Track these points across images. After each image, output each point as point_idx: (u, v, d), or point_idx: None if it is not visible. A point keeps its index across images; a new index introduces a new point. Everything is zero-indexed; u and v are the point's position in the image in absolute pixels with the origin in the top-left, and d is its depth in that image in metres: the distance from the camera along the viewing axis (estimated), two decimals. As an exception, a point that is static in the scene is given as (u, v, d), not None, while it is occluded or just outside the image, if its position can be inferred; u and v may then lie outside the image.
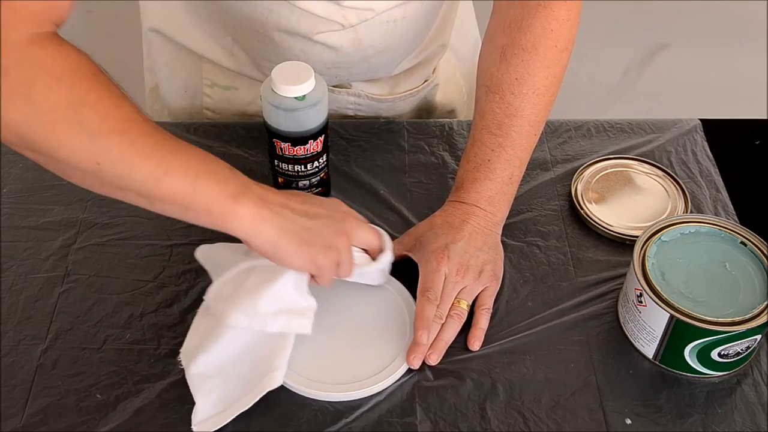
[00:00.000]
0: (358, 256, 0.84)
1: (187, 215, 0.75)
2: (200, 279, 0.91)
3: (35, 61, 0.68)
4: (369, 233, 0.85)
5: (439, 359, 0.84)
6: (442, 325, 0.85)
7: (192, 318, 0.87)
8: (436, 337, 0.85)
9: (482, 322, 0.86)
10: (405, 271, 0.90)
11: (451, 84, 1.19)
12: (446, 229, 0.89)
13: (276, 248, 0.77)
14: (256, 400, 0.79)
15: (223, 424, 0.78)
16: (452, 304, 0.87)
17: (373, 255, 0.86)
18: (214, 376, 0.80)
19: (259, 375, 0.80)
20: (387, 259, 0.86)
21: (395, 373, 0.82)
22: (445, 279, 0.87)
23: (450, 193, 0.94)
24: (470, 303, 0.87)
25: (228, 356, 0.81)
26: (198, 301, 0.89)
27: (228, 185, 0.75)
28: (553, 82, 0.90)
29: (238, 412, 0.78)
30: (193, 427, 0.78)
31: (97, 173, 0.72)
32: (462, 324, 0.86)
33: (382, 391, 0.82)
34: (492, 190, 0.91)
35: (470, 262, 0.88)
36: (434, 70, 1.15)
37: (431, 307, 0.85)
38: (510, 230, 0.96)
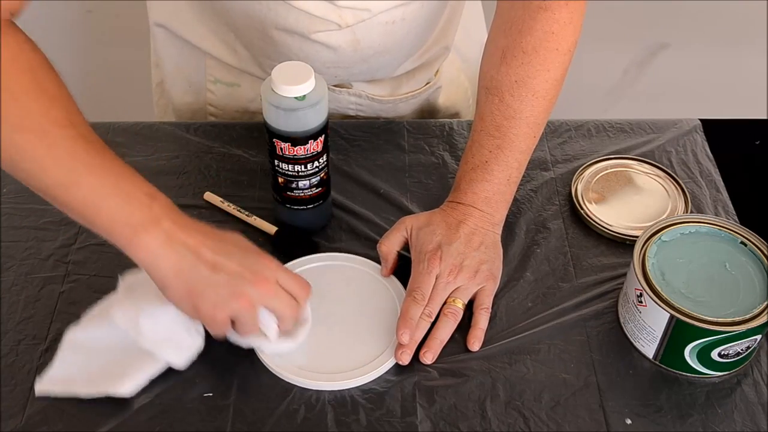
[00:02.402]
0: (266, 321, 0.80)
1: (94, 229, 0.76)
2: (200, 279, 0.91)
3: None
4: (282, 303, 0.79)
5: (434, 358, 0.84)
6: (437, 324, 0.85)
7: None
8: (430, 336, 0.85)
9: (481, 322, 0.86)
10: (401, 268, 0.90)
11: (455, 86, 1.19)
12: (443, 229, 0.89)
13: (164, 288, 0.77)
14: (95, 396, 0.79)
15: (56, 394, 0.80)
16: (447, 303, 0.87)
17: (285, 326, 0.82)
18: (82, 350, 0.82)
19: (112, 375, 0.80)
20: (291, 344, 0.82)
21: (384, 365, 0.83)
22: (436, 279, 0.87)
23: (449, 194, 0.94)
24: (466, 302, 0.87)
25: (102, 341, 0.81)
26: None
27: (134, 215, 0.74)
28: (554, 84, 0.90)
29: (77, 394, 0.79)
30: (36, 384, 0.80)
31: (11, 167, 0.72)
32: (457, 323, 0.86)
33: (382, 390, 0.82)
34: (489, 191, 0.91)
35: (465, 262, 0.88)
36: (437, 72, 1.14)
37: (416, 308, 0.85)
38: (510, 230, 0.96)
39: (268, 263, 0.80)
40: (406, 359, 0.83)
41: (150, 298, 0.80)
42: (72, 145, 0.73)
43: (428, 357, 0.84)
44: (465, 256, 0.88)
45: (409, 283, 0.88)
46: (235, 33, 1.03)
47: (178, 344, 0.82)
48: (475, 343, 0.85)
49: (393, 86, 1.11)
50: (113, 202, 0.74)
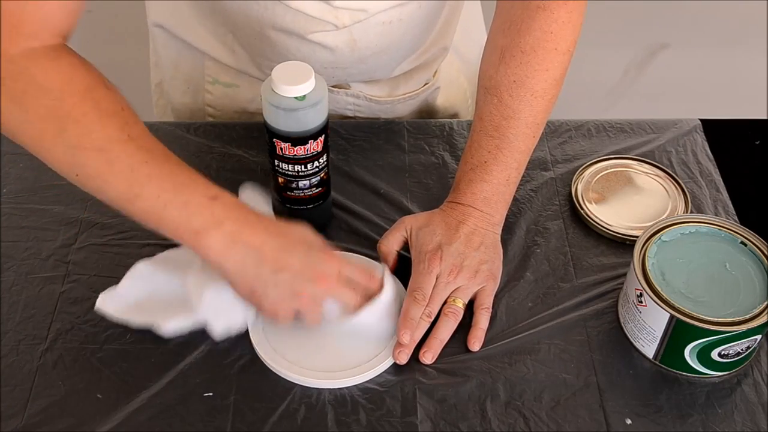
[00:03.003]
0: (333, 310, 0.83)
1: (161, 233, 0.79)
2: (200, 279, 0.91)
3: (28, 74, 0.74)
4: (343, 296, 0.83)
5: (434, 358, 0.84)
6: (437, 323, 0.86)
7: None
8: (430, 336, 0.85)
9: (482, 322, 0.86)
10: (402, 268, 0.91)
11: (454, 87, 1.19)
12: (442, 229, 0.89)
13: (231, 285, 0.81)
14: (142, 326, 0.84)
15: (110, 315, 0.85)
16: (447, 303, 0.87)
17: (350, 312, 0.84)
18: (146, 283, 0.86)
19: (162, 313, 0.84)
20: (368, 315, 0.84)
21: (384, 363, 0.83)
22: (437, 279, 0.87)
23: (448, 194, 0.94)
24: (466, 302, 0.87)
25: (166, 284, 0.86)
26: (198, 301, 0.89)
27: (194, 219, 0.77)
28: (553, 84, 0.90)
29: (127, 321, 0.85)
30: (97, 301, 0.85)
31: (76, 182, 0.77)
32: (458, 322, 0.86)
33: (383, 390, 0.82)
34: (488, 192, 0.91)
35: (465, 262, 0.88)
36: (435, 73, 1.14)
37: (417, 308, 0.85)
38: (510, 230, 0.96)
39: (329, 259, 0.82)
40: (404, 359, 0.83)
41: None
42: (131, 159, 0.76)
43: (428, 357, 0.84)
44: (465, 256, 0.88)
45: (410, 283, 0.88)
46: (233, 33, 1.03)
47: (227, 320, 0.84)
48: (475, 343, 0.85)
49: (391, 87, 1.11)
50: (174, 210, 0.77)
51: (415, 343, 0.84)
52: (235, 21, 1.00)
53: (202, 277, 0.83)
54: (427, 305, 0.86)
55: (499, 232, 0.92)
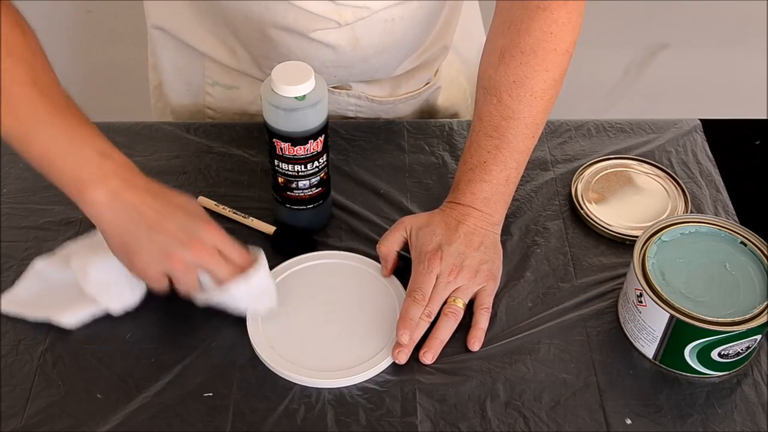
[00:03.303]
0: (206, 282, 0.83)
1: (51, 182, 0.80)
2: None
3: None
4: (216, 266, 0.82)
5: (435, 358, 0.84)
6: (437, 324, 0.85)
7: (192, 317, 0.87)
8: (430, 336, 0.85)
9: (482, 322, 0.86)
10: (401, 268, 0.91)
11: (454, 87, 1.19)
12: (442, 230, 0.89)
13: (106, 240, 0.81)
14: (40, 320, 0.86)
15: (9, 313, 0.87)
16: (447, 303, 0.87)
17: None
18: (41, 281, 0.89)
19: (59, 306, 0.86)
20: (242, 288, 0.83)
21: (383, 362, 0.83)
22: (437, 279, 0.87)
23: (448, 194, 0.94)
24: (466, 302, 0.87)
25: (60, 278, 0.88)
26: (198, 301, 0.89)
27: (82, 171, 0.78)
28: (552, 85, 0.90)
29: (25, 316, 0.86)
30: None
31: None
32: (458, 322, 0.86)
33: (382, 390, 0.82)
34: (488, 192, 0.91)
35: (465, 262, 0.88)
36: (436, 72, 1.14)
37: (417, 308, 0.85)
38: (510, 230, 0.96)
39: (209, 229, 0.83)
40: (403, 359, 0.83)
41: (104, 249, 0.83)
42: (31, 103, 0.77)
43: (428, 357, 0.84)
44: (465, 256, 0.88)
45: (410, 283, 0.88)
46: (233, 34, 1.03)
47: (118, 294, 0.86)
48: (475, 343, 0.85)
49: (392, 86, 1.11)
50: (64, 158, 0.78)
51: (414, 343, 0.84)
52: (236, 21, 1.00)
53: (85, 255, 0.85)
54: (426, 305, 0.86)
55: (499, 231, 0.92)
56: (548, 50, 0.88)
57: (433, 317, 0.86)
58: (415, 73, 1.11)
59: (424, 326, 0.85)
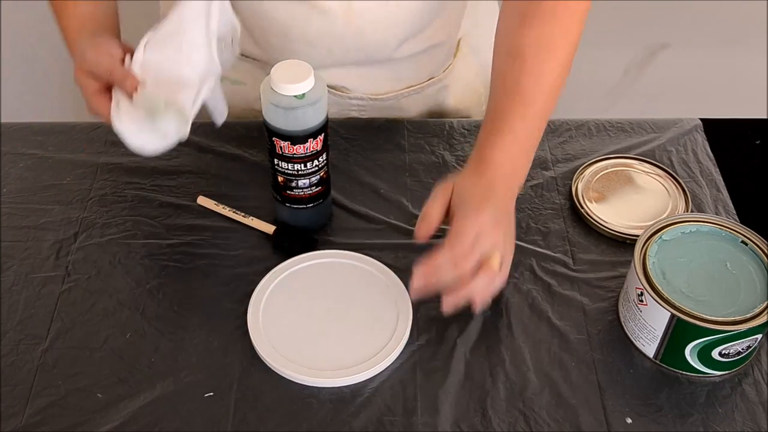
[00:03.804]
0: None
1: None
2: (200, 278, 0.91)
3: None
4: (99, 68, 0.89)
5: (454, 309, 0.82)
6: (473, 280, 0.82)
7: (192, 316, 0.87)
8: (460, 288, 0.82)
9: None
10: (401, 265, 0.91)
11: (469, 91, 1.18)
12: (481, 188, 0.86)
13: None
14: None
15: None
16: (482, 261, 0.83)
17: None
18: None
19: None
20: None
21: (384, 362, 0.83)
22: (475, 237, 0.83)
23: (471, 154, 0.91)
24: (499, 264, 0.84)
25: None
26: (198, 300, 0.89)
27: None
28: (571, 48, 0.91)
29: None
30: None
31: None
32: (491, 281, 0.83)
33: (383, 390, 0.82)
34: (514, 152, 0.89)
35: (501, 226, 0.85)
36: (445, 70, 1.14)
37: (447, 257, 0.82)
38: (510, 229, 0.96)
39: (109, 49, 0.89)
40: (416, 296, 0.84)
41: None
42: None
43: (448, 305, 0.82)
44: (500, 221, 0.85)
45: (447, 238, 0.83)
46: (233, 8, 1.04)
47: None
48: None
49: (393, 78, 1.10)
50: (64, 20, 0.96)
51: (433, 288, 0.82)
52: None
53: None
54: (459, 260, 0.82)
55: (515, 198, 0.90)
56: (566, 14, 0.90)
57: (463, 267, 0.82)
58: (416, 61, 1.10)
59: (448, 273, 0.82)
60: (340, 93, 1.09)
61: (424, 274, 0.82)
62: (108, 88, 0.89)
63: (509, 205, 0.88)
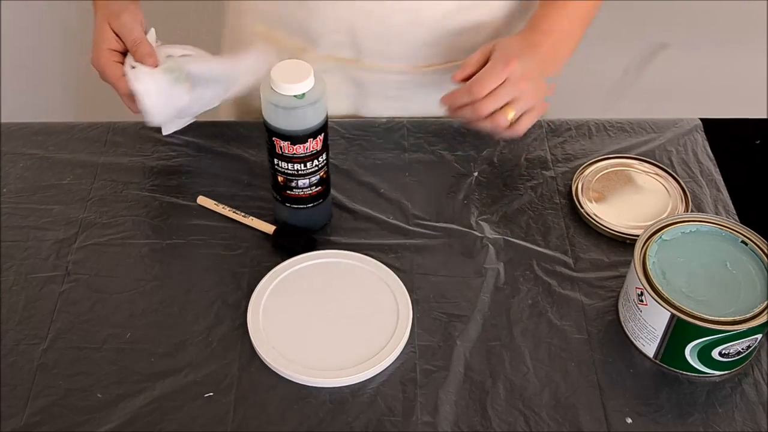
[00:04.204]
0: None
1: None
2: (200, 278, 0.91)
3: None
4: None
5: (449, 110, 0.97)
6: (481, 114, 0.95)
7: (192, 316, 0.87)
8: (468, 102, 0.95)
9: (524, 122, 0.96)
10: (399, 260, 0.91)
11: None
12: (523, 45, 0.97)
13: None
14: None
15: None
16: (497, 110, 0.94)
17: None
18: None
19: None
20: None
21: (384, 362, 0.83)
22: (504, 81, 0.94)
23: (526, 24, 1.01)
24: (515, 117, 0.94)
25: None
26: (199, 300, 0.89)
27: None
28: None
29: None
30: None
31: None
32: (495, 131, 0.96)
33: (383, 390, 0.82)
34: (565, 25, 0.99)
35: (534, 80, 0.96)
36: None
37: (468, 94, 0.94)
38: (510, 229, 0.96)
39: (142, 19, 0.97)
40: (444, 103, 0.98)
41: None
42: None
43: (445, 102, 0.95)
44: (535, 76, 0.96)
45: (474, 77, 0.95)
46: None
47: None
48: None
49: (434, 47, 1.08)
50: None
51: (453, 109, 0.97)
52: None
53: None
54: (481, 98, 0.93)
55: (559, 69, 1.00)
56: None
57: (478, 98, 0.93)
58: (463, 34, 1.08)
59: (462, 97, 0.95)
60: (380, 68, 1.08)
61: (443, 99, 0.96)
62: (122, 54, 0.96)
63: (550, 68, 0.99)
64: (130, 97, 0.95)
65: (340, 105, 1.11)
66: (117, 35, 0.97)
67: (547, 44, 0.98)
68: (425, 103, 1.10)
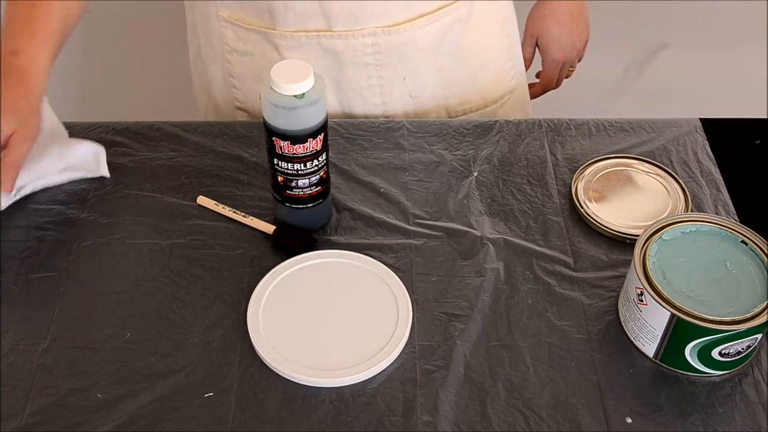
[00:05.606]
0: None
1: None
2: (200, 279, 0.91)
3: None
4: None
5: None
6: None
7: (192, 316, 0.87)
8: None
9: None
10: (399, 260, 0.91)
11: (490, 34, 1.19)
12: (563, 23, 1.24)
13: None
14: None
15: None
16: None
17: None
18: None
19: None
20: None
21: (384, 362, 0.83)
22: (562, 66, 1.27)
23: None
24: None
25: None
26: (198, 300, 0.89)
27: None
28: None
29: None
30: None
31: None
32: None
33: (383, 389, 0.82)
34: None
35: (576, 50, 1.28)
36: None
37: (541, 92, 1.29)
38: (510, 228, 0.96)
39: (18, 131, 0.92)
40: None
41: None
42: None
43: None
44: (576, 45, 1.26)
45: (542, 75, 1.29)
46: None
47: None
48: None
49: (404, 5, 1.08)
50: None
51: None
52: None
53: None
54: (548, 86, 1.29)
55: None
56: None
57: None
58: None
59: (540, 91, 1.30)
60: (352, 33, 1.08)
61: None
62: None
63: (576, 13, 1.26)
64: None
65: None
66: None
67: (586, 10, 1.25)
68: (402, 67, 1.12)
